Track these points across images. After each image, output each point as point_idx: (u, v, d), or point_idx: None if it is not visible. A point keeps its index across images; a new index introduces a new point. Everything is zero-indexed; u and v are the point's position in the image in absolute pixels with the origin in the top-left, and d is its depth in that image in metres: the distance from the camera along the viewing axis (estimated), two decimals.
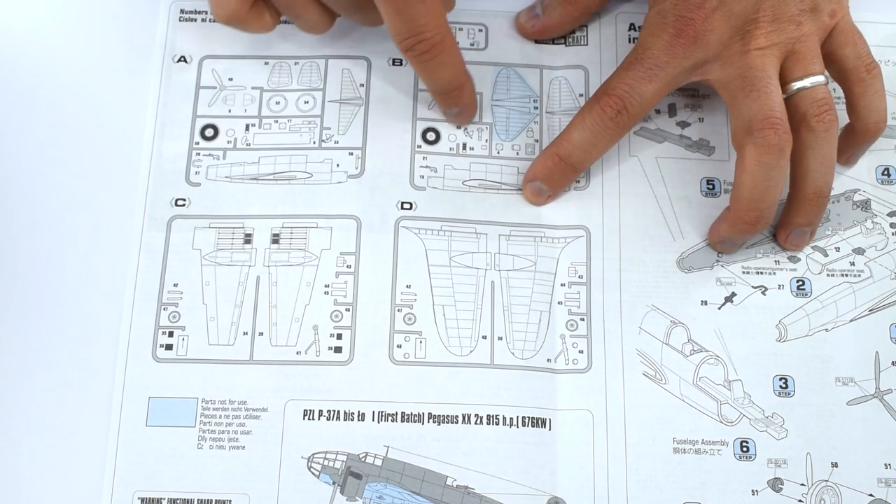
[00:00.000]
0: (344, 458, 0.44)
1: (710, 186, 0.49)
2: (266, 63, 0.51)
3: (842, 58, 0.46)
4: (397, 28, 0.43)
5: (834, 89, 0.48)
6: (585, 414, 0.45)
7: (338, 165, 0.49)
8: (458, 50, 0.46)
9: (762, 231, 0.46)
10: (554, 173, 0.47)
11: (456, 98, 0.48)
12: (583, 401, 0.45)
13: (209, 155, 0.49)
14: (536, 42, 0.52)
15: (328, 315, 0.46)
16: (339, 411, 0.45)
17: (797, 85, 0.45)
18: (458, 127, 0.50)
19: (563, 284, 0.47)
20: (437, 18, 0.43)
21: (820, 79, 0.45)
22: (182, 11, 0.52)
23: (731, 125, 0.46)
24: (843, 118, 0.48)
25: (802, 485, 0.44)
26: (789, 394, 0.46)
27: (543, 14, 0.51)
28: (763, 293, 0.47)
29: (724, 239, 0.47)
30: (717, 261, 0.48)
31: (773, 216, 0.46)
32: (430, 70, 0.45)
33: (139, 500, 0.43)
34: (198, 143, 0.49)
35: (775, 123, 0.43)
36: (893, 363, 0.46)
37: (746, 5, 0.44)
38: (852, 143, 0.48)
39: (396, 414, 0.45)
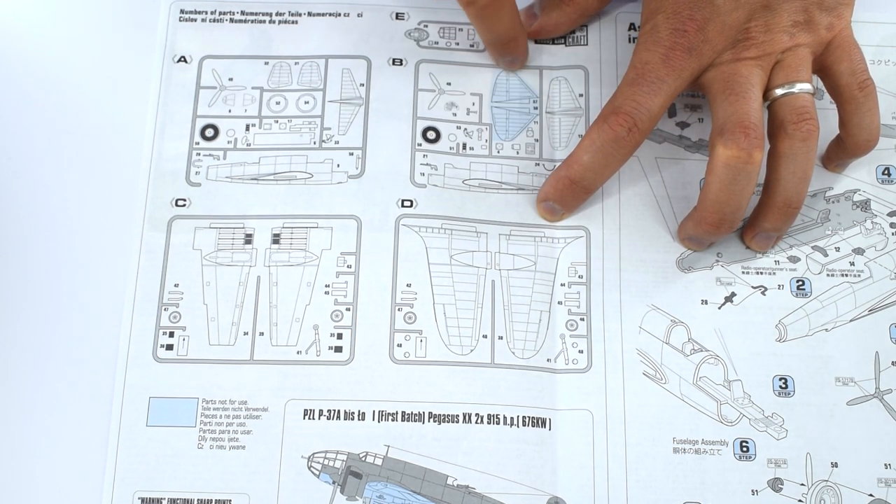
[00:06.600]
0: (344, 457, 0.44)
1: None
2: (266, 63, 0.51)
3: (836, 73, 0.46)
4: None
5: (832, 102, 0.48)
6: (585, 414, 0.45)
7: (338, 166, 0.49)
8: (514, 4, 0.47)
9: (726, 234, 0.46)
10: (566, 196, 0.47)
11: (511, 48, 0.49)
12: (583, 401, 0.45)
13: (209, 155, 0.49)
14: (536, 42, 0.52)
15: (328, 315, 0.46)
16: (339, 411, 0.45)
17: (779, 91, 0.44)
18: (510, 70, 0.51)
19: (563, 284, 0.47)
20: None
21: (805, 87, 0.44)
22: (182, 11, 0.52)
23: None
24: (834, 130, 0.48)
25: (802, 485, 0.44)
26: (789, 394, 0.46)
27: (541, 14, 0.51)
28: (763, 293, 0.47)
29: (691, 236, 0.47)
30: (717, 261, 0.48)
31: (739, 221, 0.45)
32: (487, 24, 0.48)
33: (139, 500, 0.43)
34: (198, 144, 0.49)
35: (747, 128, 0.43)
36: (893, 363, 0.46)
37: (739, 16, 0.44)
38: (842, 154, 0.48)
39: (397, 413, 0.45)
